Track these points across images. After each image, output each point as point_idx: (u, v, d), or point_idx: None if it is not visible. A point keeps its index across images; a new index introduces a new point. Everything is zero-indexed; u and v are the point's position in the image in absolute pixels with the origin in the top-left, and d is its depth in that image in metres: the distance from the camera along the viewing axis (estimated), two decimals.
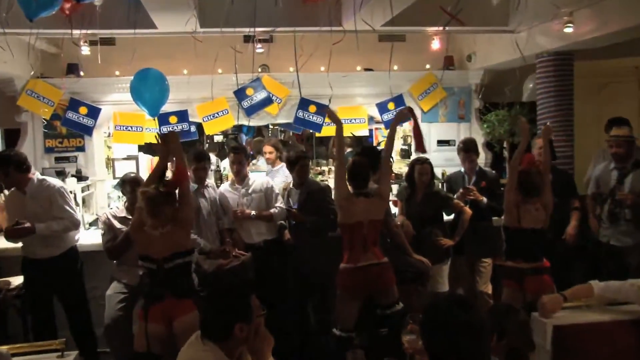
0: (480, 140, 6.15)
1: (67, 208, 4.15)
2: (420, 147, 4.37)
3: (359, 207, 3.76)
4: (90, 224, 5.35)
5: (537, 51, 5.41)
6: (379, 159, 4.07)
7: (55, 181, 4.26)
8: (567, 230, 4.71)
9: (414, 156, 5.63)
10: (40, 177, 4.20)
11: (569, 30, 4.72)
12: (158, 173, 3.54)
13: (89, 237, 4.72)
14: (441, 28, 4.93)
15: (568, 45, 5.12)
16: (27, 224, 3.95)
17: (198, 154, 4.62)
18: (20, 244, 4.18)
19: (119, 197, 5.68)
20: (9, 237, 4.03)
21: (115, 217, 4.17)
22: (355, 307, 3.82)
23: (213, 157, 7.02)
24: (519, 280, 3.78)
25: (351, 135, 5.69)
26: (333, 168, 7.02)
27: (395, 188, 6.02)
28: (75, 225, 4.21)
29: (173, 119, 6.00)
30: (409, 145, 7.13)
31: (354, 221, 3.74)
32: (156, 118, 5.91)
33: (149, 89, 5.16)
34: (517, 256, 3.83)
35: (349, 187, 3.85)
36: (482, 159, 6.10)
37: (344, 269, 3.77)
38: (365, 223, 3.73)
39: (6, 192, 4.29)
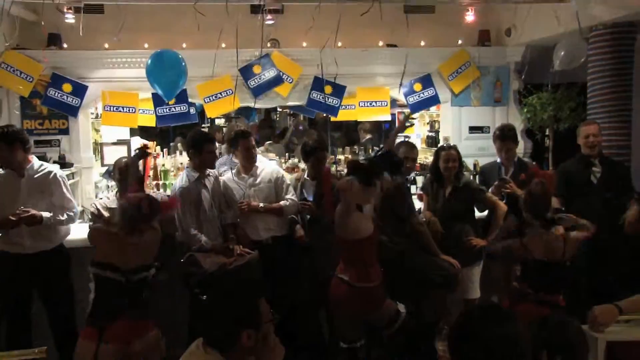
0: (519, 126, 6.06)
1: (70, 197, 4.26)
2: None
3: None
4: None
5: (591, 23, 5.27)
6: (396, 169, 4.05)
7: (54, 167, 4.35)
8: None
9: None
10: (38, 161, 4.27)
11: None
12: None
13: (74, 232, 4.71)
14: None
15: (630, 15, 4.98)
16: (34, 212, 3.98)
17: (205, 135, 4.63)
18: None
19: (108, 186, 5.68)
20: (7, 226, 3.97)
21: (105, 208, 4.18)
22: (347, 319, 3.85)
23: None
24: (515, 303, 3.62)
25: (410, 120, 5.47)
26: (350, 157, 7.01)
27: (420, 180, 5.99)
28: (76, 216, 4.33)
29: (170, 100, 5.96)
30: (437, 132, 7.08)
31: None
32: (151, 99, 5.93)
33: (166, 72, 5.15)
34: (532, 288, 3.65)
35: None
36: (521, 148, 6.02)
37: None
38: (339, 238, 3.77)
39: None
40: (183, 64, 5.13)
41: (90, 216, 4.21)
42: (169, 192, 4.67)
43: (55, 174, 4.23)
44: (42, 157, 5.24)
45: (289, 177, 4.82)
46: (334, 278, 3.81)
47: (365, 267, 3.70)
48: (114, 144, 6.32)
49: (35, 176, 4.15)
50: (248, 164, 4.67)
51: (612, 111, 5.27)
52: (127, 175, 4.09)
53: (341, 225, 3.68)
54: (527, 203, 3.77)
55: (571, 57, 5.05)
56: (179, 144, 7.32)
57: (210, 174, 4.57)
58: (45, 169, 4.21)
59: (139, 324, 3.27)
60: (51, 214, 4.08)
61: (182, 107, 6.02)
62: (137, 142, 6.66)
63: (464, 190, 4.60)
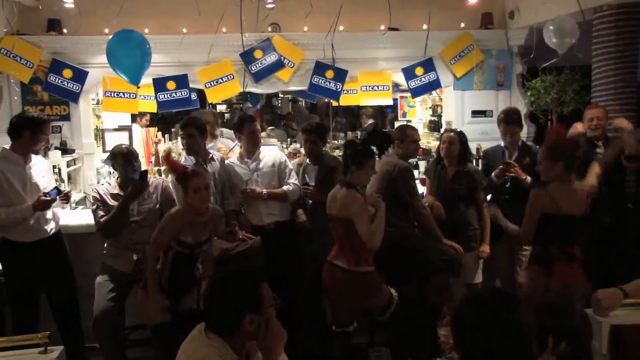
0: (522, 110, 6.01)
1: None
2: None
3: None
4: (77, 203, 5.33)
5: (596, 4, 5.19)
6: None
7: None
8: None
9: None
10: None
11: None
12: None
13: (75, 218, 4.69)
14: None
15: None
16: (68, 190, 4.24)
17: (185, 120, 4.59)
18: None
19: (110, 172, 5.65)
20: (46, 207, 4.04)
21: (107, 193, 4.14)
22: (343, 305, 3.85)
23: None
24: (546, 265, 3.72)
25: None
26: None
27: (422, 165, 5.95)
28: None
29: (171, 85, 5.90)
30: (439, 117, 7.02)
31: (330, 212, 3.84)
32: (152, 84, 5.87)
33: (128, 53, 5.08)
34: (550, 242, 3.74)
35: None
36: (525, 132, 5.96)
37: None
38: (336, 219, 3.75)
39: None
40: (147, 46, 5.08)
41: (92, 200, 4.17)
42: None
43: (45, 160, 4.39)
44: None
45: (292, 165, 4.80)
46: (327, 264, 3.80)
47: (360, 251, 3.66)
48: (115, 130, 6.28)
49: (33, 162, 4.16)
50: (252, 149, 4.65)
51: (617, 93, 5.19)
52: (125, 161, 4.10)
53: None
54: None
55: (561, 35, 5.01)
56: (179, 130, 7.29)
57: (215, 158, 4.55)
58: (38, 156, 4.27)
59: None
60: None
61: (182, 93, 5.95)
62: (138, 129, 6.63)
63: (468, 174, 4.56)
